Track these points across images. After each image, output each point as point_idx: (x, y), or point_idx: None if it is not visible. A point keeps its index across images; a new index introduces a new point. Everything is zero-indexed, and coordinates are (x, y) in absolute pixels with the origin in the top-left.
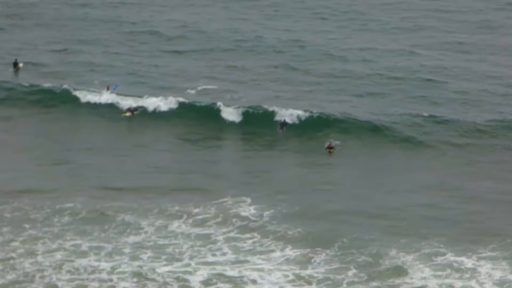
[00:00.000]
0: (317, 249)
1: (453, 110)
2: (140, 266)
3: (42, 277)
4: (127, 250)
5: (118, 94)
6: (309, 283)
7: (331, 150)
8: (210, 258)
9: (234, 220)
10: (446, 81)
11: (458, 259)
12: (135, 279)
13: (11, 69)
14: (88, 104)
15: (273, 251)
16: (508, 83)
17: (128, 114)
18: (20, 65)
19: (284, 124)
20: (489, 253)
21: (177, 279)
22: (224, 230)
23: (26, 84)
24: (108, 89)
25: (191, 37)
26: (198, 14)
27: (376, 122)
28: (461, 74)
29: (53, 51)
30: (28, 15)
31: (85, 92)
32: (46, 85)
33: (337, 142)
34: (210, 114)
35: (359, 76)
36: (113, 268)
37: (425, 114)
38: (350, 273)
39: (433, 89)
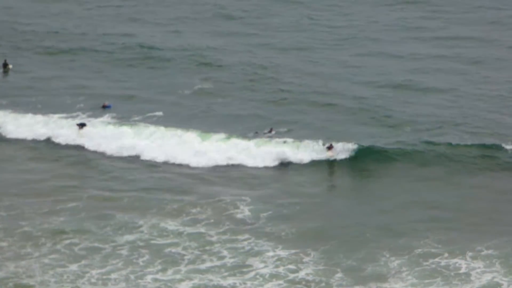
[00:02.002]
0: (308, 251)
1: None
2: (134, 271)
3: (31, 276)
4: (122, 252)
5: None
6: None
7: (331, 151)
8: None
9: (229, 220)
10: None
11: (451, 261)
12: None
13: (0, 70)
14: None
15: (266, 251)
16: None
17: (81, 130)
18: (10, 66)
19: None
20: (484, 253)
21: (168, 284)
22: (219, 230)
23: None
24: (104, 106)
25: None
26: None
27: (363, 140)
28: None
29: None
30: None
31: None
32: None
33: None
34: None
35: (328, 92)
36: (107, 271)
37: (407, 132)
38: (335, 277)
39: (408, 106)
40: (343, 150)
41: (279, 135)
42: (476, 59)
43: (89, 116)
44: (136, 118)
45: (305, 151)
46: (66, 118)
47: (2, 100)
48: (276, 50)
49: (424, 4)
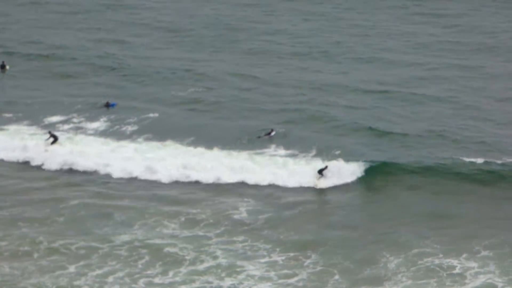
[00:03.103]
0: (308, 252)
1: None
2: (132, 273)
3: (27, 278)
4: (121, 252)
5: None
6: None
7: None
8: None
9: (228, 222)
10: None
11: (446, 262)
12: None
13: None
14: None
15: (262, 256)
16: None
17: (50, 141)
18: (7, 67)
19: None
20: (479, 254)
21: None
22: (218, 231)
23: None
24: (107, 104)
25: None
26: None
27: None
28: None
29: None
30: None
31: None
32: None
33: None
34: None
35: (325, 102)
36: (105, 273)
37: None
38: (332, 279)
39: (406, 117)
40: (342, 165)
41: (278, 142)
42: (475, 67)
43: (87, 118)
44: (130, 124)
45: (303, 161)
46: (63, 122)
47: None
48: (273, 54)
49: (422, 10)
